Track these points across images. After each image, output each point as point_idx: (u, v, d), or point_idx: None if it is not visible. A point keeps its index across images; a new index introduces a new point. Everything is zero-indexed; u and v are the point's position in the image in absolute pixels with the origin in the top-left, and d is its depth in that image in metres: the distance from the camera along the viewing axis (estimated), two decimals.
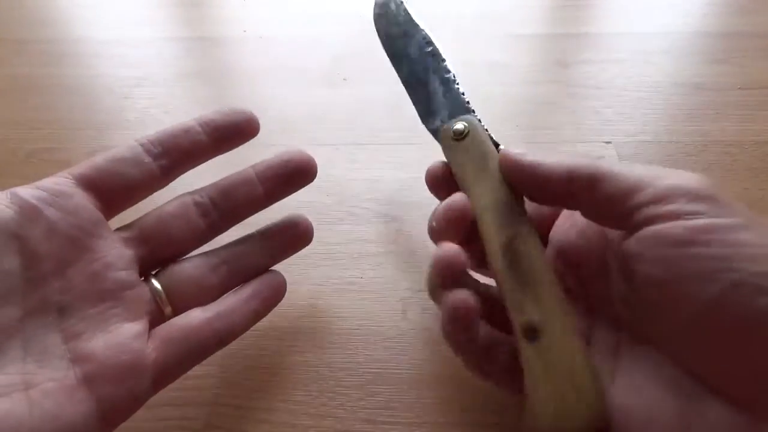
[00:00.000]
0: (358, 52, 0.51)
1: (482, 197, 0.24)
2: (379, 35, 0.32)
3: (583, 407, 0.20)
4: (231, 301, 0.25)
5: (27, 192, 0.22)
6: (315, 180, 0.28)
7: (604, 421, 0.20)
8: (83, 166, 0.24)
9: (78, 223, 0.22)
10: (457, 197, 0.24)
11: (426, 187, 0.27)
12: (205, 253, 0.26)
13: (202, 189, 0.26)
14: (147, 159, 0.24)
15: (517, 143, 0.41)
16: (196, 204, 0.26)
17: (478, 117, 0.27)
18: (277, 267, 0.29)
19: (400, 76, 0.30)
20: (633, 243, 0.20)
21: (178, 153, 0.25)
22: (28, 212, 0.22)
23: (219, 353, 0.29)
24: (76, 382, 0.20)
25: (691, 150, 0.40)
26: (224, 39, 0.55)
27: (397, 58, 0.31)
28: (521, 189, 0.23)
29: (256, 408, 0.27)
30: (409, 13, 0.31)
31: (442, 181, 0.26)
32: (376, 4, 0.32)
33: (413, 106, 0.29)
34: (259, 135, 0.27)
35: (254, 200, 0.27)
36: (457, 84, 0.28)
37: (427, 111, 0.28)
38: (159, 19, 0.59)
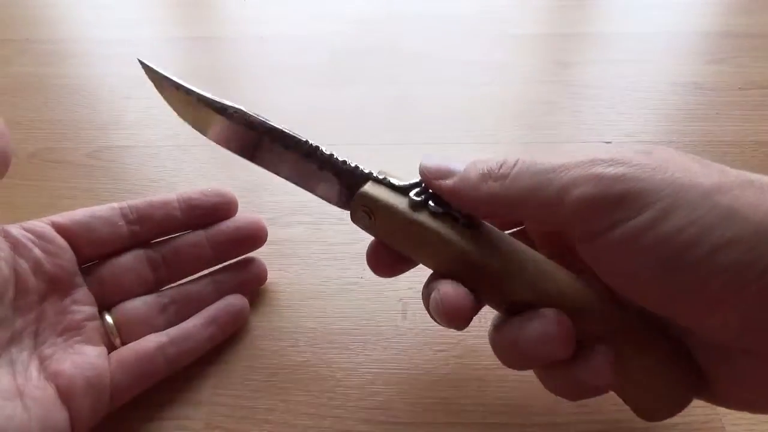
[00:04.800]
0: (358, 52, 0.51)
1: (439, 256, 0.22)
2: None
3: (673, 394, 0.21)
4: (188, 327, 0.28)
5: (17, 231, 0.26)
6: None
7: (695, 386, 0.21)
8: (63, 216, 0.27)
9: (59, 264, 0.26)
10: (448, 290, 0.22)
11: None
12: (158, 293, 0.29)
13: (157, 244, 0.29)
14: (121, 222, 0.28)
15: (517, 143, 0.41)
16: (149, 258, 0.29)
17: (369, 172, 0.24)
18: (276, 268, 0.29)
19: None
20: (583, 252, 0.20)
21: (151, 224, 0.29)
22: (20, 249, 0.25)
23: (219, 353, 0.29)
24: (54, 394, 0.23)
25: (691, 150, 0.40)
26: (224, 39, 0.55)
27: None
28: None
29: (256, 408, 0.27)
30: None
31: (386, 258, 0.25)
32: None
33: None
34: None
35: (202, 261, 0.30)
36: (325, 150, 0.25)
37: (329, 197, 0.26)
38: (159, 19, 0.59)
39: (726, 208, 0.17)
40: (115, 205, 0.28)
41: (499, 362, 0.23)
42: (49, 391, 0.23)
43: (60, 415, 0.23)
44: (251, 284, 0.31)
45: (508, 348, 0.22)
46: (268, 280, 0.32)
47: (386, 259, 0.25)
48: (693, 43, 0.51)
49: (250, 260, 0.31)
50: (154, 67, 0.27)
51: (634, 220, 0.18)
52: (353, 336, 0.29)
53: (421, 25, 0.55)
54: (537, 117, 0.44)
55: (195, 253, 0.29)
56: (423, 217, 0.22)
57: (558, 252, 0.24)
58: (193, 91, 0.26)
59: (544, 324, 0.20)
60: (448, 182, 0.22)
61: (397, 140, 0.41)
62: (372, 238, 0.25)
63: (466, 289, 0.22)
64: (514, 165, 0.21)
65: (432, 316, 0.23)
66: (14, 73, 0.50)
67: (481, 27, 0.55)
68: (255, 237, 0.30)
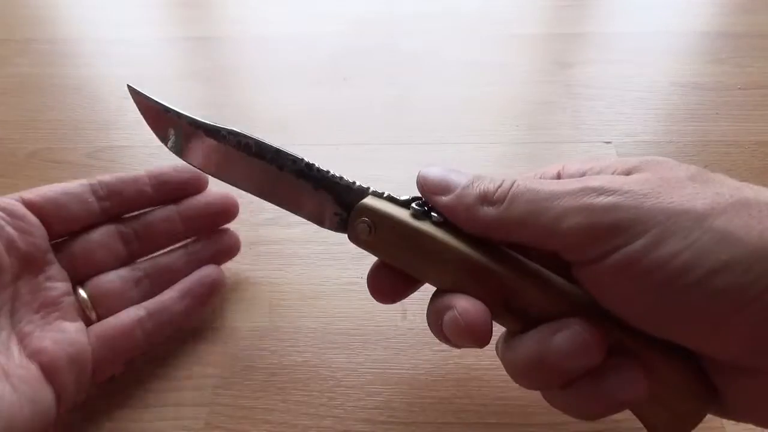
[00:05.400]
0: (358, 52, 0.51)
1: (446, 266, 0.22)
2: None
3: (691, 410, 0.20)
4: (164, 299, 0.28)
5: None
6: None
7: (711, 403, 0.20)
8: (33, 193, 0.27)
9: (32, 241, 0.26)
10: (466, 306, 0.21)
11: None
12: (131, 266, 0.29)
13: (129, 219, 0.29)
14: (91, 198, 0.28)
15: (517, 143, 0.41)
16: (120, 233, 0.29)
17: (368, 187, 0.24)
18: (276, 268, 0.29)
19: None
20: (580, 277, 0.20)
21: (120, 199, 0.29)
22: None
23: (219, 353, 0.29)
24: (38, 372, 0.23)
25: (691, 150, 0.40)
26: (224, 39, 0.55)
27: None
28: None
29: (256, 408, 0.27)
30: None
31: (388, 280, 0.24)
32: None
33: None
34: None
35: (174, 235, 0.30)
36: (316, 165, 0.24)
37: (320, 218, 0.24)
38: (159, 19, 0.59)
39: (720, 231, 0.17)
40: (85, 181, 0.28)
41: (498, 363, 0.23)
42: (33, 370, 0.23)
43: (46, 393, 0.23)
44: (225, 255, 0.31)
45: (529, 365, 0.21)
46: (268, 280, 0.32)
47: (388, 283, 0.24)
48: (693, 43, 0.51)
49: (224, 231, 0.31)
50: (145, 93, 0.27)
51: (628, 248, 0.18)
52: (353, 336, 0.29)
53: (421, 25, 0.55)
54: (537, 117, 0.44)
55: (166, 227, 0.30)
56: (426, 226, 0.22)
57: (558, 268, 0.23)
58: (182, 114, 0.26)
59: (574, 334, 0.19)
60: (445, 200, 0.22)
61: (397, 140, 0.41)
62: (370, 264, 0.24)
63: (482, 303, 0.21)
64: (510, 188, 0.20)
65: (444, 337, 0.22)
66: (14, 73, 0.50)
67: (481, 27, 0.55)
68: (226, 211, 0.31)
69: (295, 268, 0.33)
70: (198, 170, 0.28)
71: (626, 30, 0.53)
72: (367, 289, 0.24)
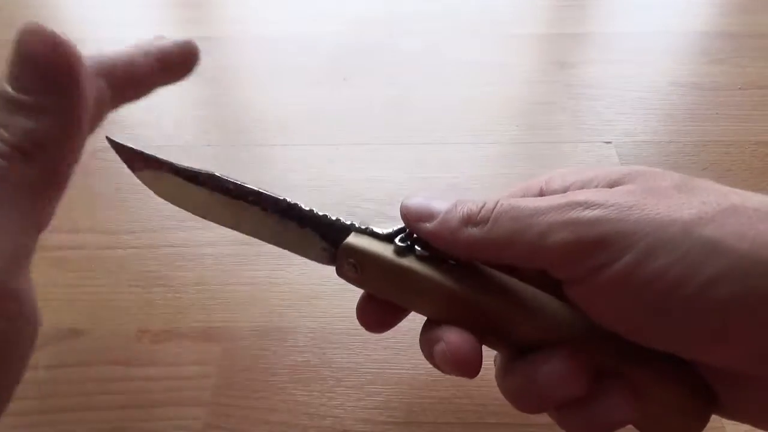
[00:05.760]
0: (358, 52, 0.51)
1: (433, 301, 0.22)
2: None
3: (691, 423, 0.20)
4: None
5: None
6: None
7: (705, 417, 0.20)
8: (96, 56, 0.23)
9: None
10: (454, 339, 0.21)
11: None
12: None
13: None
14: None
15: (517, 143, 0.41)
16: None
17: (351, 224, 0.23)
18: (276, 268, 0.29)
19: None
20: (571, 295, 0.20)
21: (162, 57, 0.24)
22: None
23: (219, 353, 0.29)
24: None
25: (691, 150, 0.40)
26: (224, 39, 0.55)
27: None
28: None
29: (256, 408, 0.27)
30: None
31: (377, 313, 0.24)
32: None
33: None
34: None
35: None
36: (299, 205, 0.24)
37: (310, 253, 0.24)
38: (159, 19, 0.59)
39: (709, 240, 0.17)
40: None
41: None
42: None
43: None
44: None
45: (521, 392, 0.21)
46: (268, 280, 0.32)
47: (377, 314, 0.24)
48: (693, 43, 0.51)
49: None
50: (125, 144, 0.25)
51: (617, 264, 0.18)
52: (353, 336, 0.30)
53: (421, 25, 0.55)
54: (537, 117, 0.44)
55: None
56: (410, 262, 0.22)
57: (549, 286, 0.23)
58: (163, 162, 0.24)
59: (559, 367, 0.20)
60: (429, 226, 0.21)
61: (397, 140, 0.41)
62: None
63: (470, 335, 0.21)
64: (494, 208, 0.20)
65: (436, 366, 0.22)
66: None
67: (481, 27, 0.55)
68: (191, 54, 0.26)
69: (295, 268, 0.33)
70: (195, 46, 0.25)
71: (626, 30, 0.53)
72: (357, 320, 0.24)
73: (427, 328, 0.23)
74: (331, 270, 0.33)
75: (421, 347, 0.23)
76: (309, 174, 0.38)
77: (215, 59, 0.52)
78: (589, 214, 0.18)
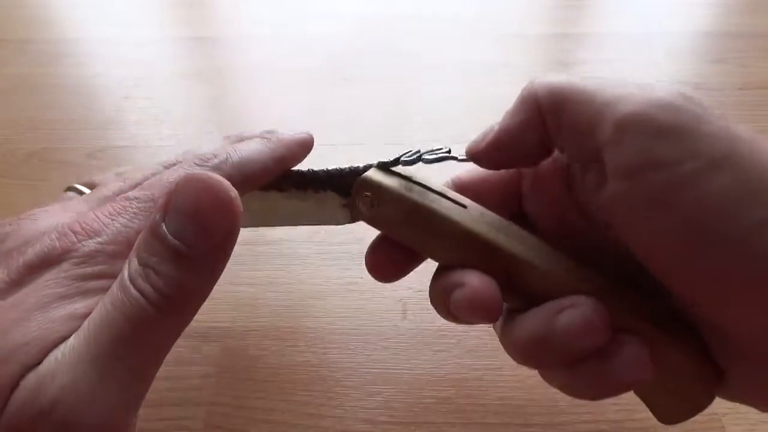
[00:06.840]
0: (358, 52, 0.51)
1: (452, 234, 0.21)
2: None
3: (698, 394, 0.20)
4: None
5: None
6: None
7: (718, 386, 0.20)
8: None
9: None
10: (475, 282, 0.20)
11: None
12: None
13: None
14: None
15: None
16: None
17: (366, 165, 0.23)
18: (276, 268, 0.29)
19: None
20: (605, 200, 0.18)
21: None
22: None
23: (219, 353, 0.29)
24: None
25: None
26: (224, 39, 0.55)
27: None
28: (497, 165, 0.23)
29: (256, 408, 0.27)
30: None
31: (388, 257, 0.23)
32: None
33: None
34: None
35: None
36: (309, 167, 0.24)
37: (331, 217, 0.24)
38: (159, 19, 0.59)
39: None
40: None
41: (498, 363, 0.22)
42: None
43: None
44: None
45: (532, 344, 0.20)
46: (268, 280, 0.32)
47: (388, 259, 0.23)
48: (693, 43, 0.51)
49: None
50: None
51: (679, 168, 0.16)
52: (353, 336, 0.29)
53: (421, 25, 0.55)
54: None
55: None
56: (429, 200, 0.21)
57: (563, 235, 0.22)
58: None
59: (582, 313, 0.18)
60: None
61: (397, 140, 0.41)
62: (370, 242, 0.24)
63: (490, 278, 0.20)
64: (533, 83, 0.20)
65: (452, 315, 0.21)
66: (13, 74, 0.50)
67: (481, 27, 0.55)
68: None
69: (295, 268, 0.33)
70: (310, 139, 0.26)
71: (626, 30, 0.53)
72: (365, 266, 0.23)
73: (441, 275, 0.21)
74: (331, 270, 0.33)
75: (432, 298, 0.22)
76: None
77: (215, 59, 0.52)
78: (669, 97, 0.17)
